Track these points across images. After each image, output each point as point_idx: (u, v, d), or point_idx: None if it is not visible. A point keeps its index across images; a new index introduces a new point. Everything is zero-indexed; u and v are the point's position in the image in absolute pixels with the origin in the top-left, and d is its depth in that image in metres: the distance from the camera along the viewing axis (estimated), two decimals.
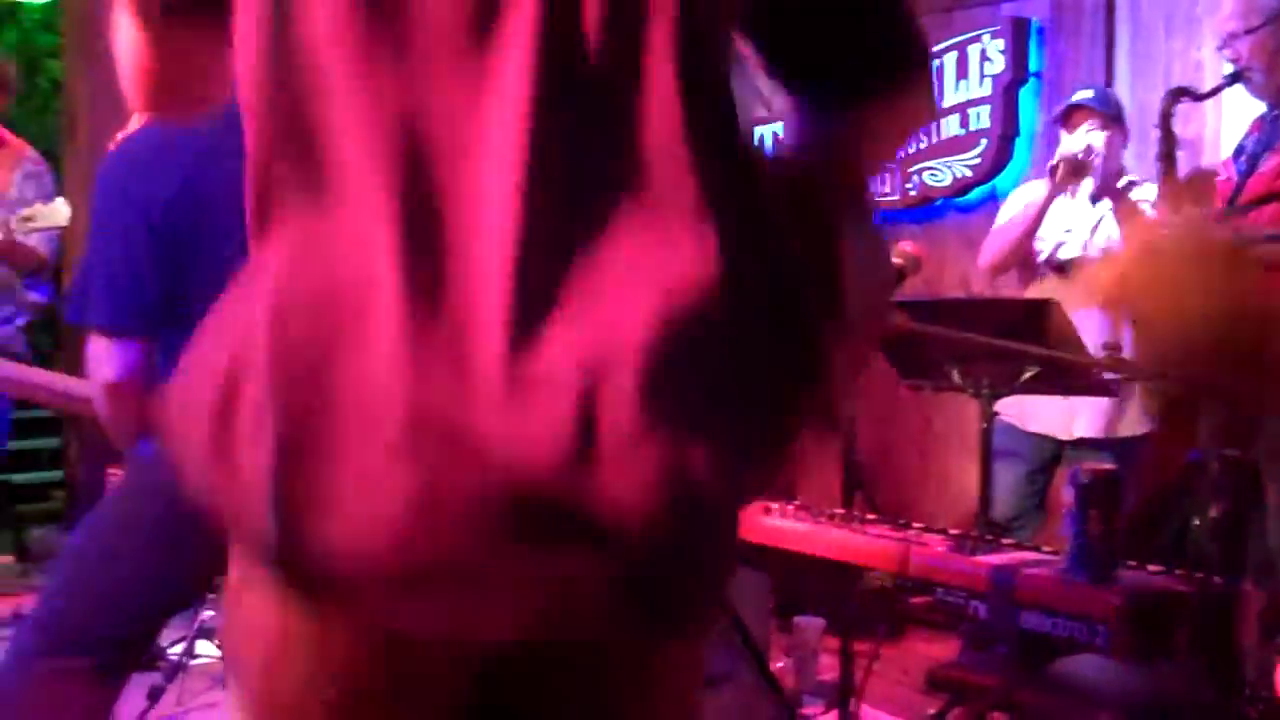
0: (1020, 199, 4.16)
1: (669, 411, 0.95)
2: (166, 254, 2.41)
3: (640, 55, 1.00)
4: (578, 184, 0.98)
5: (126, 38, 1.17)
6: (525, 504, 0.94)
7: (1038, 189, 4.04)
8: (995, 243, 4.13)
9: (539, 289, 0.94)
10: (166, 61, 1.18)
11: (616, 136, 0.99)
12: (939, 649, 4.13)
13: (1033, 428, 3.94)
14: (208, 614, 4.06)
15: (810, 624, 3.91)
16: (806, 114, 1.23)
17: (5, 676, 2.50)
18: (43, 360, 5.31)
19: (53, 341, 5.84)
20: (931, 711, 3.11)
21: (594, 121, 0.99)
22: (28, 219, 4.56)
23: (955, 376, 2.92)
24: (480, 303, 0.94)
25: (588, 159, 0.99)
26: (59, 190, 4.85)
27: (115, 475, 4.89)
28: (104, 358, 2.43)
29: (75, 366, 5.85)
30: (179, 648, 4.03)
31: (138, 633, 2.59)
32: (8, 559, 5.57)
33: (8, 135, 4.89)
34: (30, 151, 4.92)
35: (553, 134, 0.97)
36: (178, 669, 3.93)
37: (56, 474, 7.02)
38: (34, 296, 4.84)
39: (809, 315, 1.11)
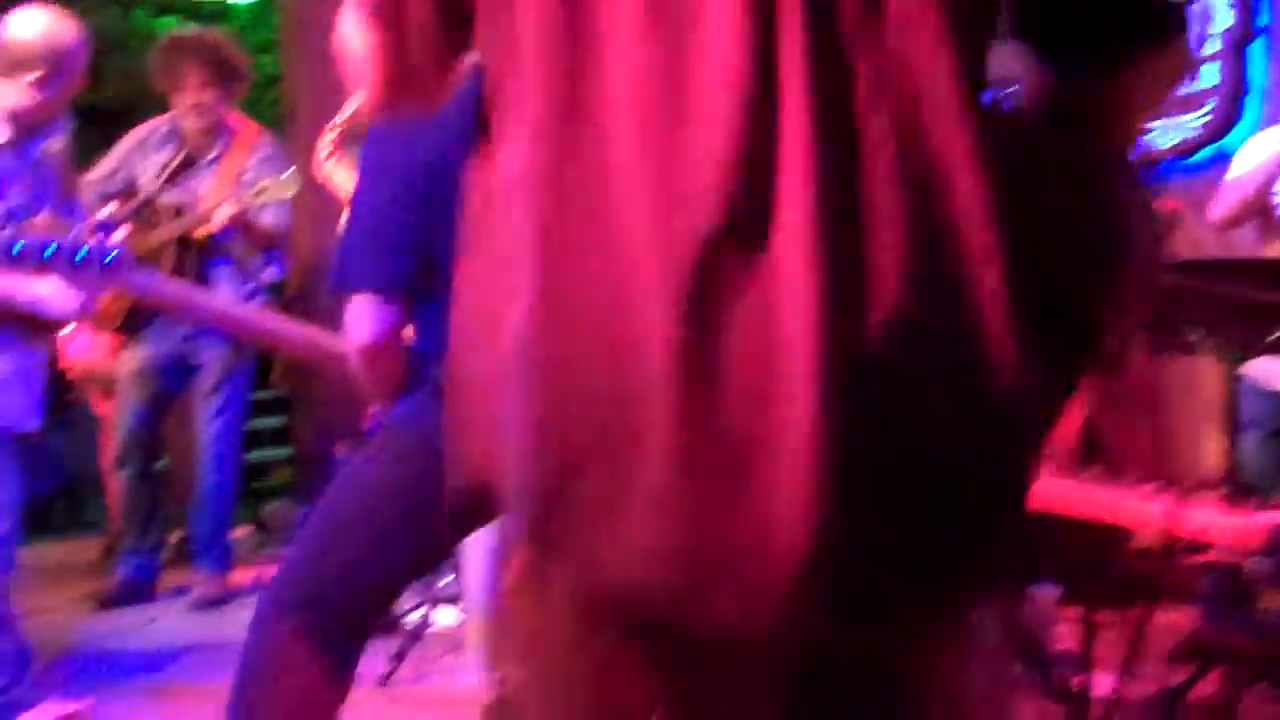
0: (1257, 148, 3.98)
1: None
2: (422, 223, 2.44)
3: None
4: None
5: (361, 40, 1.27)
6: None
7: (1276, 137, 3.86)
8: (1229, 195, 3.96)
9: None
10: (402, 64, 1.28)
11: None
12: (1173, 618, 4.00)
13: None
14: (444, 581, 4.17)
15: (1045, 593, 3.81)
16: (1066, 78, 1.23)
17: (255, 632, 2.55)
18: None
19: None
20: (1177, 681, 3.00)
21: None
22: (259, 192, 4.75)
23: (1198, 338, 2.81)
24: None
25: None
26: None
27: (342, 451, 5.06)
28: (362, 320, 2.48)
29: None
30: (417, 614, 4.15)
31: (379, 597, 2.65)
32: (246, 530, 5.79)
33: (244, 122, 5.08)
34: (266, 136, 5.10)
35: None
36: (416, 635, 4.04)
37: (283, 451, 7.30)
38: (267, 275, 5.02)
39: (1081, 280, 1.13)
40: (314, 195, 5.81)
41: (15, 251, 2.55)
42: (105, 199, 4.88)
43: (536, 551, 1.14)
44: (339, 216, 5.85)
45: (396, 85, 1.31)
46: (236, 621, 4.72)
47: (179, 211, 4.86)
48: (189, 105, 4.93)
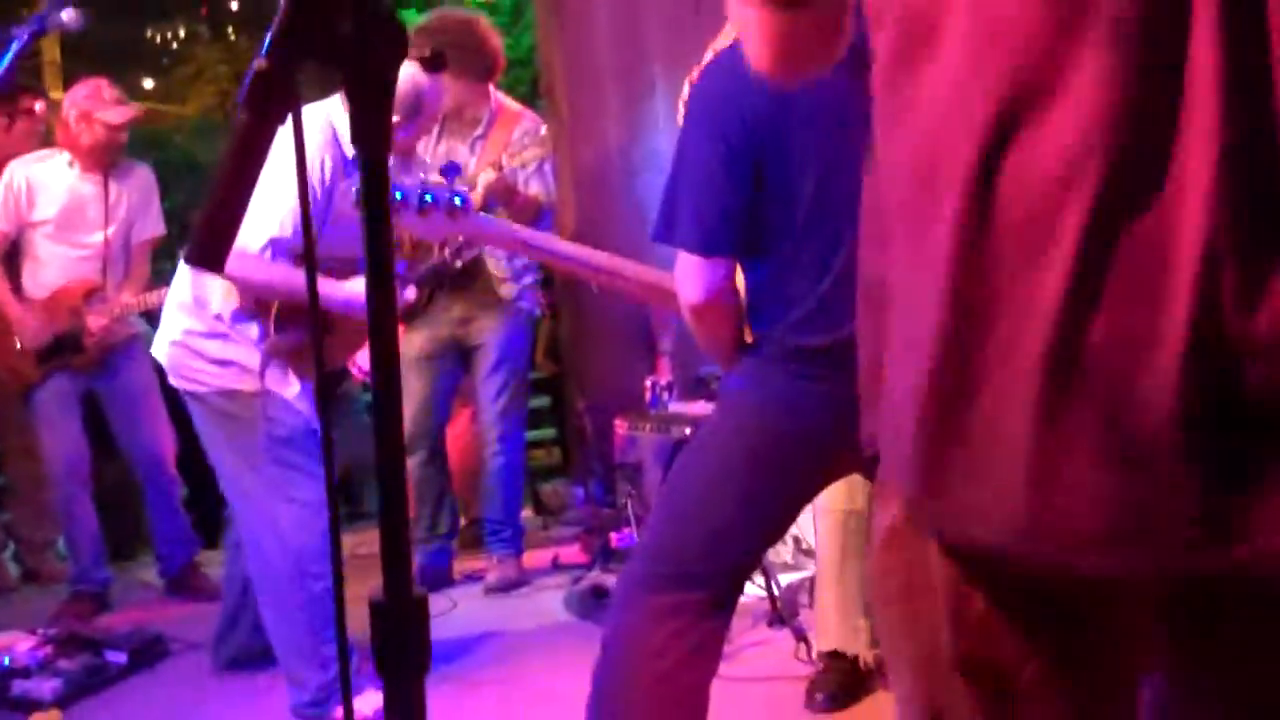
0: None
1: None
2: (745, 179, 2.41)
3: None
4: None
5: (751, 15, 1.30)
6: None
7: None
8: None
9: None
10: (790, 38, 1.31)
11: None
12: None
13: None
14: None
15: None
16: None
17: (618, 616, 2.56)
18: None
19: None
20: None
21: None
22: (514, 156, 4.67)
23: None
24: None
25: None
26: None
27: (621, 427, 4.99)
28: (690, 277, 2.45)
29: (575, 321, 6.03)
30: None
31: (744, 562, 2.61)
32: (526, 512, 5.75)
33: (506, 103, 5.02)
34: (527, 113, 5.03)
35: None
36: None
37: (550, 432, 7.29)
38: None
39: None
40: (577, 167, 5.79)
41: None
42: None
43: (912, 505, 1.16)
44: (603, 186, 5.81)
45: (789, 58, 1.32)
46: (533, 604, 4.77)
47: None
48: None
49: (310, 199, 1.15)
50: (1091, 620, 1.15)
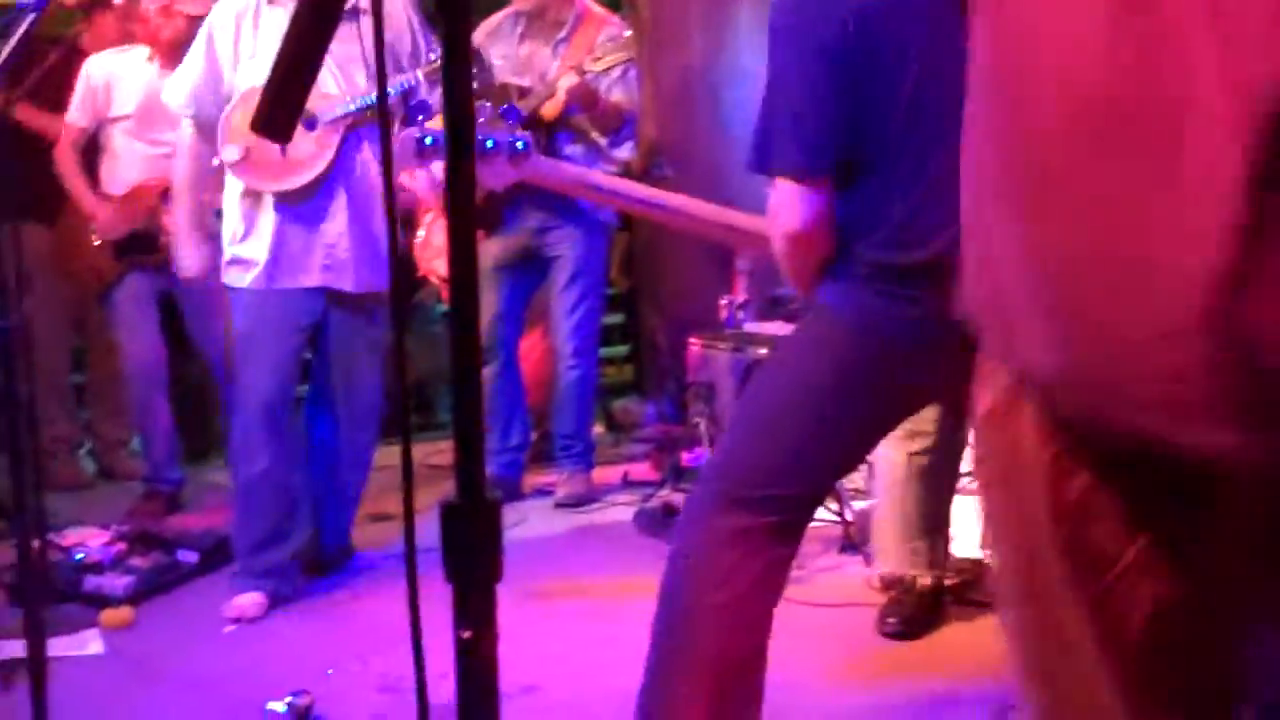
0: None
1: None
2: (844, 96, 2.32)
3: None
4: None
5: None
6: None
7: None
8: None
9: None
10: None
11: None
12: None
13: None
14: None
15: None
16: None
17: (686, 535, 2.50)
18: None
19: None
20: None
21: None
22: (597, 59, 4.58)
23: None
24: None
25: None
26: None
27: (695, 345, 4.92)
28: (789, 204, 2.37)
29: (650, 233, 5.94)
30: None
31: (816, 488, 2.54)
32: (598, 429, 5.71)
33: (591, 6, 4.92)
34: (613, 18, 4.93)
35: None
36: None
37: (624, 349, 7.22)
38: (619, 153, 4.85)
39: None
40: (658, 78, 5.67)
41: (429, 142, 2.57)
42: None
43: (1010, 378, 1.15)
44: (685, 100, 5.69)
45: None
46: (602, 520, 4.74)
47: (524, 92, 4.72)
48: None
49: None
50: (1204, 513, 1.11)
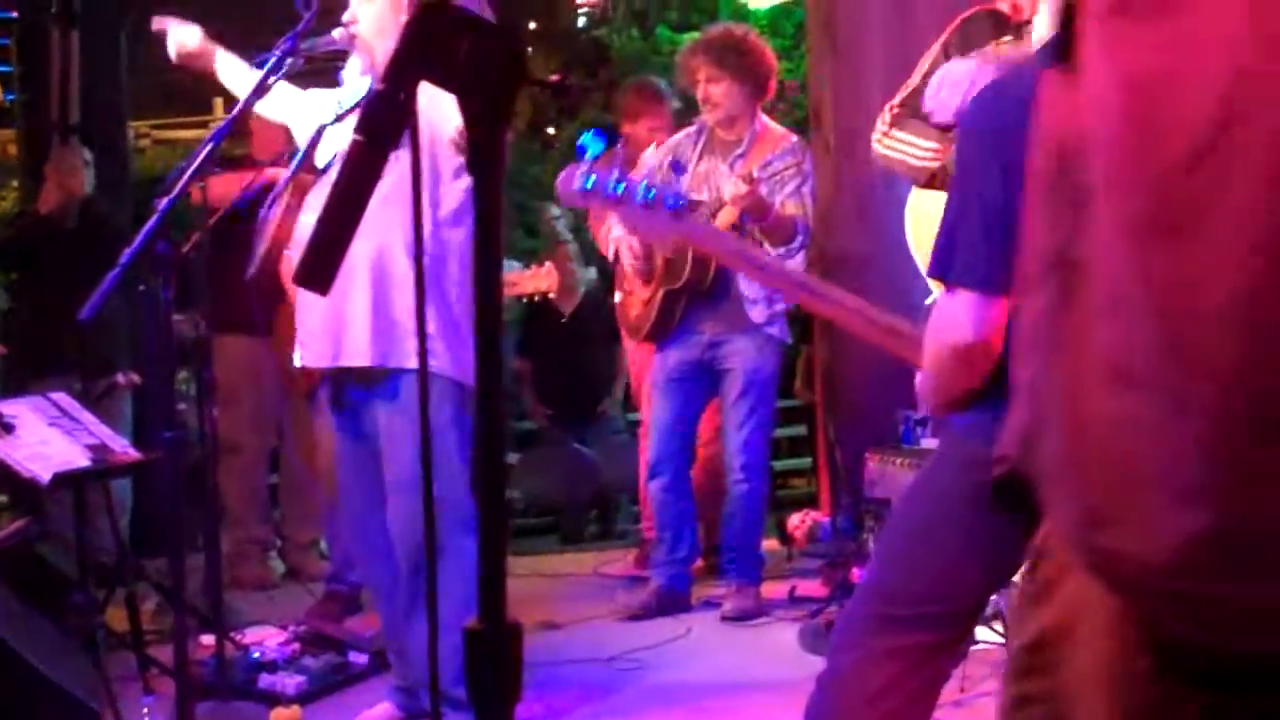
0: None
1: None
2: (1015, 206, 2.28)
3: None
4: None
5: None
6: None
7: None
8: None
9: None
10: None
11: None
12: None
13: None
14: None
15: None
16: None
17: (839, 655, 2.49)
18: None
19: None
20: None
21: None
22: (768, 168, 4.64)
23: None
24: None
25: None
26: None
27: (872, 460, 4.88)
28: (964, 315, 2.29)
29: (828, 349, 5.95)
30: None
31: (970, 606, 2.51)
32: (773, 543, 5.70)
33: (770, 125, 5.02)
34: (791, 137, 5.00)
35: None
36: (961, 654, 3.77)
37: (804, 461, 7.21)
38: (790, 265, 4.89)
39: None
40: (841, 196, 5.72)
41: (588, 186, 2.55)
42: None
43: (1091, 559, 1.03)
44: (866, 217, 5.72)
45: None
46: (769, 635, 4.71)
47: (699, 206, 4.82)
48: (702, 99, 4.93)
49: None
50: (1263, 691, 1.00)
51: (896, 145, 3.57)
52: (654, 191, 2.61)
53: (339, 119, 3.61)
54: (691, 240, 2.77)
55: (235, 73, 3.82)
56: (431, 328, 3.47)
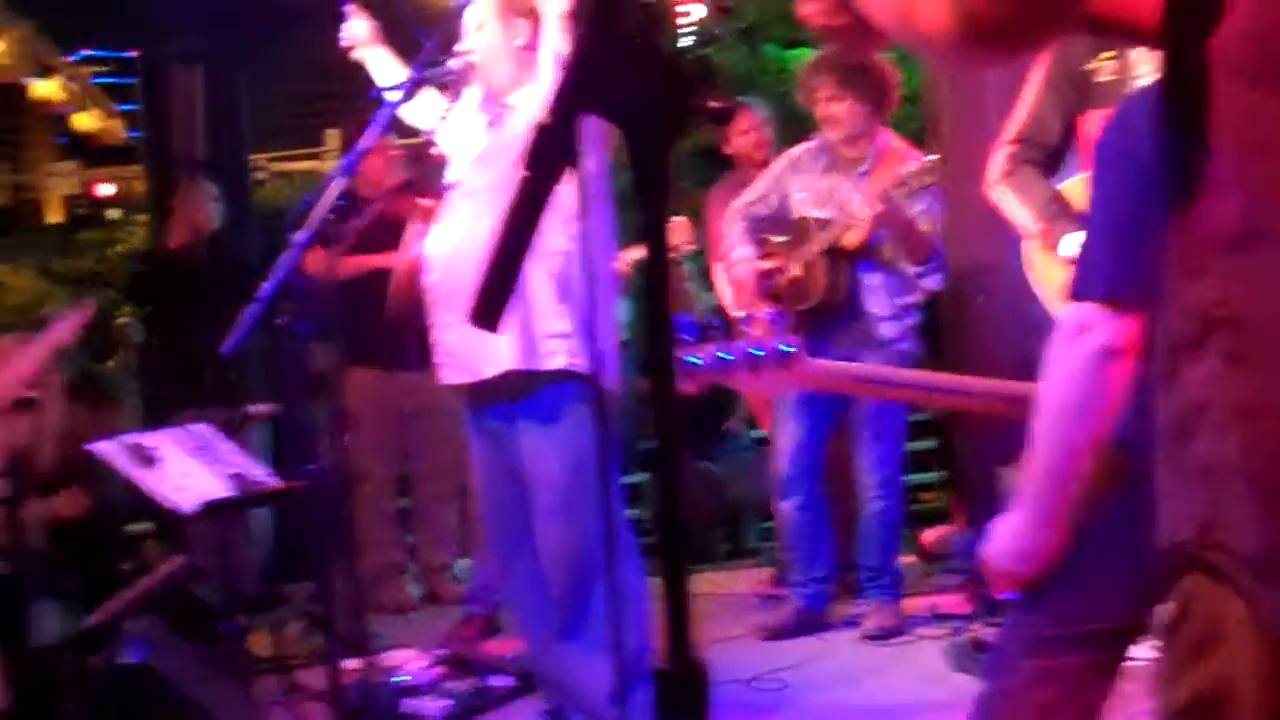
0: None
1: None
2: (1151, 219, 2.22)
3: None
4: None
5: None
6: None
7: None
8: None
9: None
10: None
11: None
12: None
13: None
14: None
15: None
16: None
17: (997, 677, 2.43)
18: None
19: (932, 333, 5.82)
20: None
21: None
22: (902, 184, 4.56)
23: None
24: None
25: None
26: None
27: (1006, 474, 4.78)
28: (1099, 323, 2.18)
29: (957, 362, 5.86)
30: None
31: (1132, 622, 2.37)
32: (910, 559, 5.60)
33: (893, 141, 4.96)
34: (915, 153, 4.94)
35: None
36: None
37: (938, 475, 7.09)
38: (927, 283, 4.83)
39: None
40: (966, 212, 5.62)
41: (697, 362, 2.51)
42: (755, 223, 4.97)
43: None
44: (988, 232, 5.62)
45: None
46: (913, 654, 4.63)
47: (823, 224, 4.77)
48: (823, 118, 4.89)
49: None
50: None
51: (1006, 202, 3.67)
52: (760, 350, 2.57)
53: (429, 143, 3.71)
54: (811, 383, 2.73)
55: (386, 69, 3.97)
56: (568, 326, 3.47)
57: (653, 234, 1.07)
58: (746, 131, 5.62)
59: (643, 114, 1.05)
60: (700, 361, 2.59)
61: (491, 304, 1.04)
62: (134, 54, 7.95)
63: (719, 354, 2.50)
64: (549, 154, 1.05)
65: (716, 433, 6.90)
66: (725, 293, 5.42)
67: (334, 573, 4.23)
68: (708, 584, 5.98)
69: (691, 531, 7.03)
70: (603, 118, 1.07)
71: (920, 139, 6.12)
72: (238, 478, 4.16)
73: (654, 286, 1.06)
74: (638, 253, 4.70)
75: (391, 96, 3.66)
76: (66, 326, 4.27)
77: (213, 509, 4.01)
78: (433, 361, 3.86)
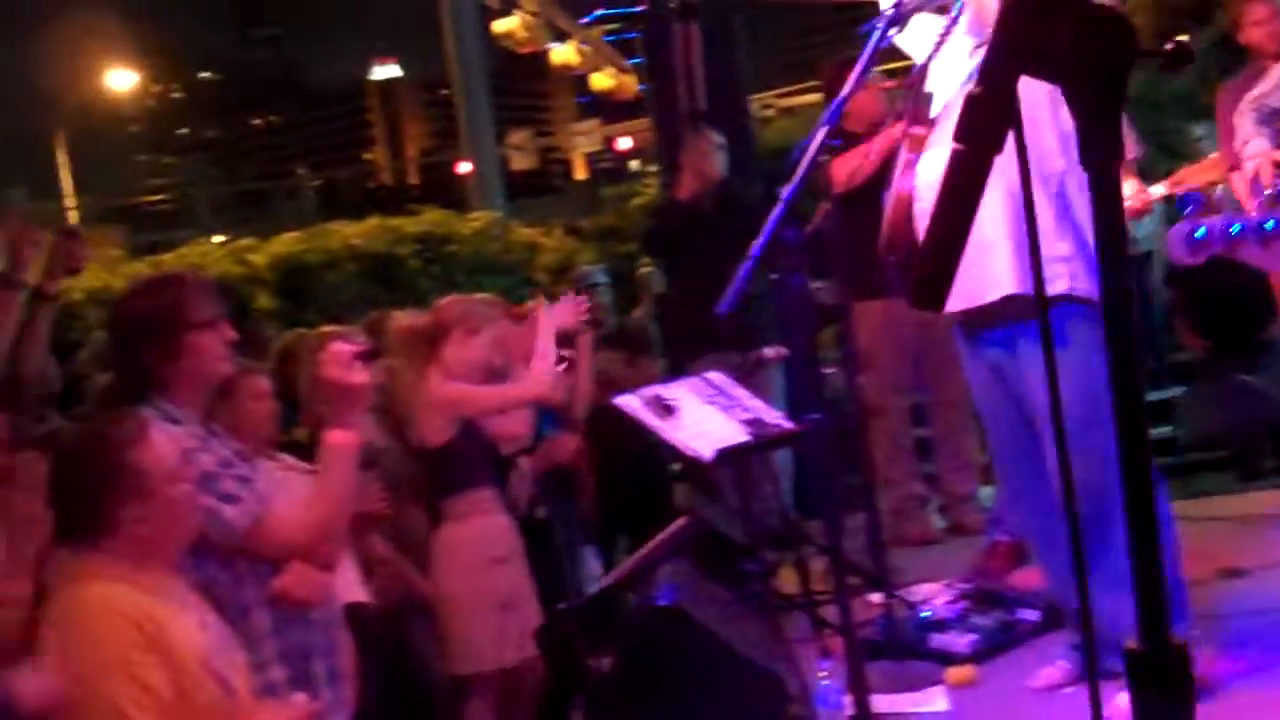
0: None
1: None
2: None
3: None
4: None
5: None
6: None
7: None
8: None
9: None
10: None
11: None
12: None
13: None
14: None
15: None
16: None
17: None
18: None
19: None
20: None
21: None
22: None
23: None
24: None
25: None
26: None
27: None
28: None
29: None
30: None
31: None
32: None
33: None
34: None
35: None
36: None
37: None
38: None
39: None
40: None
41: (1200, 236, 2.48)
42: (1268, 114, 4.68)
43: None
44: None
45: None
46: None
47: None
48: None
49: None
50: None
51: None
52: (1273, 223, 2.38)
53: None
54: None
55: None
56: (1067, 249, 3.33)
57: (1102, 193, 1.01)
58: (1262, 22, 5.20)
59: (1082, 70, 0.99)
60: (1205, 230, 2.44)
61: (934, 286, 1.02)
62: (637, 10, 8.30)
63: (1228, 226, 2.35)
64: (983, 126, 1.02)
65: (1253, 343, 6.42)
66: (1239, 186, 5.03)
67: (850, 508, 4.29)
68: (1256, 504, 5.57)
69: (1237, 449, 6.57)
70: (1039, 79, 1.02)
71: None
72: (753, 422, 4.27)
73: (1105, 250, 1.00)
74: (1160, 189, 4.46)
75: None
76: (565, 311, 4.56)
77: (730, 455, 4.14)
78: None
